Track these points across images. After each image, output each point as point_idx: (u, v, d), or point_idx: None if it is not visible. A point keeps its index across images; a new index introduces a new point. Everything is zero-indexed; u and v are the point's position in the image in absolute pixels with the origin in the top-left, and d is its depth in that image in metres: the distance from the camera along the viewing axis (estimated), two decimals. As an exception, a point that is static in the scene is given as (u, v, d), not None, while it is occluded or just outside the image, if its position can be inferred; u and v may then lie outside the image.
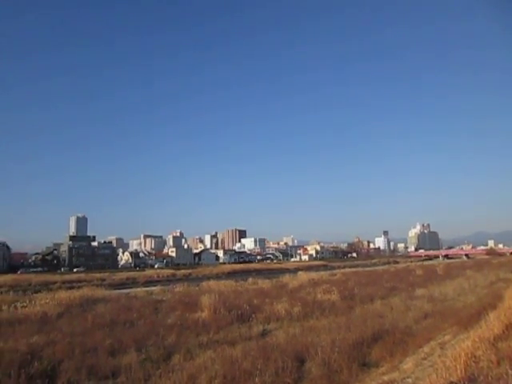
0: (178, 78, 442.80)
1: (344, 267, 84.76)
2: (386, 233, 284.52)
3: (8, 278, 66.29)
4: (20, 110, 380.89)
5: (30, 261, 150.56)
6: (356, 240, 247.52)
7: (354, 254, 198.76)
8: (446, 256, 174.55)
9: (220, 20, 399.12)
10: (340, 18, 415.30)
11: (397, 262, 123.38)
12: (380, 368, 9.82)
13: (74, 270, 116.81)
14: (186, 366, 10.40)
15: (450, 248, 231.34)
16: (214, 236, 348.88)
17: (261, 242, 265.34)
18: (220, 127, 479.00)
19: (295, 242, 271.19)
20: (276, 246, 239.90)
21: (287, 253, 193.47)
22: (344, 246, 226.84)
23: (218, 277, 62.54)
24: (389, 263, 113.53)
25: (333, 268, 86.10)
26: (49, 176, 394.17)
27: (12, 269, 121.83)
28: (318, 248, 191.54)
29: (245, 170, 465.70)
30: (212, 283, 36.34)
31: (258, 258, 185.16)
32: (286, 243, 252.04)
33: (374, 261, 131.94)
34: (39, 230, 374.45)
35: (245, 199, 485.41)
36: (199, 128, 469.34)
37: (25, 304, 22.50)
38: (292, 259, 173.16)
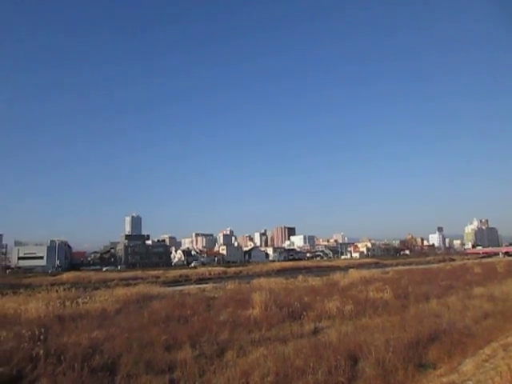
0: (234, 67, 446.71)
1: (397, 265, 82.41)
2: (440, 229, 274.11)
3: (70, 275, 70.06)
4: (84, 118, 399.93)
5: (89, 259, 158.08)
6: (409, 237, 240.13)
7: (407, 252, 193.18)
8: (507, 253, 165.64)
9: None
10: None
11: (453, 260, 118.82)
12: (437, 369, 9.53)
13: (118, 267, 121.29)
14: (239, 363, 10.56)
15: (511, 245, 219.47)
16: (263, 234, 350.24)
17: (310, 240, 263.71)
18: (270, 124, 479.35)
19: (345, 239, 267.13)
20: (326, 243, 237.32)
21: (337, 250, 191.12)
22: (396, 243, 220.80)
23: (267, 274, 62.76)
24: (444, 261, 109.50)
25: (385, 266, 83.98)
26: (106, 178, 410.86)
27: (73, 266, 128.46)
28: (369, 245, 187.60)
29: (295, 167, 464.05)
30: (262, 281, 36.52)
31: (308, 255, 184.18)
32: (335, 240, 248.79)
33: (428, 258, 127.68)
34: (97, 229, 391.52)
35: (294, 196, 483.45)
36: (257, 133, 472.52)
37: (86, 300, 23.58)
38: (342, 257, 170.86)
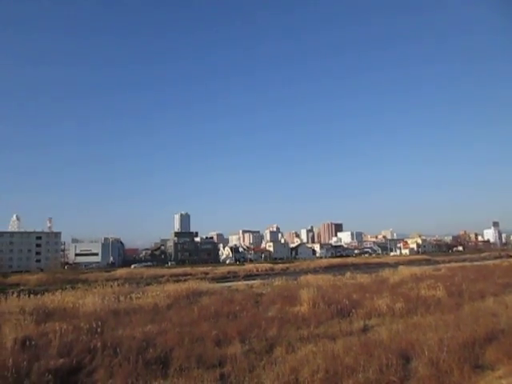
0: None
1: (449, 261, 79.55)
2: (496, 224, 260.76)
3: (123, 271, 72.76)
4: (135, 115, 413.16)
5: (141, 256, 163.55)
6: (462, 232, 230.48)
7: (460, 248, 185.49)
8: None
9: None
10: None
11: (510, 256, 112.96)
12: (496, 371, 9.14)
13: (168, 264, 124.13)
14: (288, 359, 10.59)
15: None
16: (309, 230, 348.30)
17: (358, 236, 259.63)
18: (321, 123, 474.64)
19: (394, 235, 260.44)
20: (374, 239, 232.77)
21: (386, 247, 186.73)
22: (448, 238, 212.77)
23: (315, 271, 62.39)
24: (500, 257, 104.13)
25: (436, 262, 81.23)
26: (155, 176, 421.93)
27: (126, 263, 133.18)
28: (420, 241, 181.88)
29: (341, 164, 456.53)
30: (310, 277, 36.35)
31: (356, 252, 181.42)
32: (384, 236, 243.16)
33: (483, 255, 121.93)
34: (148, 226, 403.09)
35: (340, 192, 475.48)
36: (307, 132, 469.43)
37: (138, 295, 24.42)
38: (391, 253, 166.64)
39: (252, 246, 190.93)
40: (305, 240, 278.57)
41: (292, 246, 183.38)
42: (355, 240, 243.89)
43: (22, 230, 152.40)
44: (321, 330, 14.53)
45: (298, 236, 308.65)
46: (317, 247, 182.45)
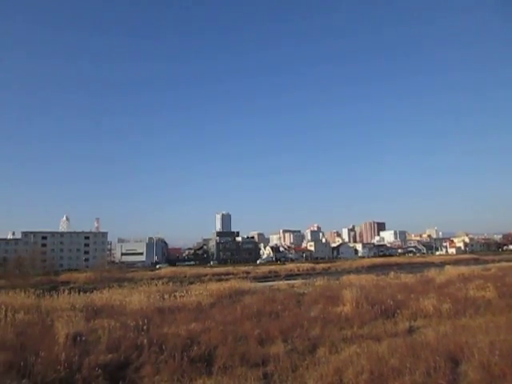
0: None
1: (499, 261, 76.03)
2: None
3: (167, 270, 74.64)
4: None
5: (183, 255, 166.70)
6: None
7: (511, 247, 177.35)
8: None
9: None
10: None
11: None
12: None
13: (210, 263, 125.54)
14: (332, 359, 10.49)
15: None
16: (351, 229, 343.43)
17: (401, 235, 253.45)
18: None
19: (439, 233, 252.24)
20: (418, 238, 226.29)
21: (431, 246, 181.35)
22: (498, 237, 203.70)
23: (357, 271, 61.58)
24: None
25: (485, 262, 77.95)
26: (196, 178, 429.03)
27: (169, 262, 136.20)
28: (467, 240, 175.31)
29: (385, 160, 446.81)
30: (352, 277, 35.87)
31: (399, 251, 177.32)
32: (429, 235, 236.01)
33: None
34: (190, 226, 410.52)
35: (383, 190, 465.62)
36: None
37: (182, 294, 24.87)
38: (437, 253, 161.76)
39: (293, 246, 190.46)
40: (346, 239, 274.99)
41: (333, 245, 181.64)
42: (398, 239, 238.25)
43: (72, 230, 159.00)
44: (364, 330, 14.30)
45: (339, 235, 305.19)
46: (359, 247, 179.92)
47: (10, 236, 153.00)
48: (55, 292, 27.63)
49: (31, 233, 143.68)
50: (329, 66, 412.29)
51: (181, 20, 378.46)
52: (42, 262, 55.30)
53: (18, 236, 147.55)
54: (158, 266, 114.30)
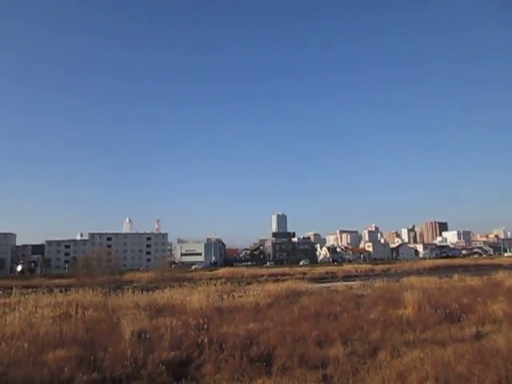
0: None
1: None
2: None
3: (225, 270, 75.91)
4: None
5: (240, 255, 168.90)
6: None
7: None
8: None
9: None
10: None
11: None
12: None
13: (300, 263, 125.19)
14: (394, 364, 10.21)
15: None
16: (411, 229, 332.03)
17: (465, 235, 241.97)
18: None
19: (508, 234, 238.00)
20: (484, 239, 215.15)
21: (498, 247, 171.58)
22: None
23: (418, 272, 59.40)
24: None
25: None
26: (252, 177, 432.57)
27: (227, 262, 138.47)
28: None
29: (442, 159, 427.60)
30: (413, 279, 34.62)
31: (463, 252, 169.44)
32: (496, 236, 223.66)
33: None
34: (247, 226, 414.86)
35: (444, 188, 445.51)
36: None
37: (240, 294, 25.15)
38: (505, 254, 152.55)
39: (350, 246, 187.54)
40: (406, 240, 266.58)
41: (392, 246, 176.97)
42: (462, 240, 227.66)
43: (134, 231, 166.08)
44: (428, 334, 13.78)
45: (398, 236, 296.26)
46: (419, 247, 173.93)
47: (78, 237, 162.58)
48: (120, 291, 28.92)
49: (97, 234, 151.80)
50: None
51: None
52: (108, 262, 57.99)
53: (86, 237, 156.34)
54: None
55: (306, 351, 11.63)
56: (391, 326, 15.17)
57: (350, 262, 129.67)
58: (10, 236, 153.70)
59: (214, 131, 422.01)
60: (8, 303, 23.84)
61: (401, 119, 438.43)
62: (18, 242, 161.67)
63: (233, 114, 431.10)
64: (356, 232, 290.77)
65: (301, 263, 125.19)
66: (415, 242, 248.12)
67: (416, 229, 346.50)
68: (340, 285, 37.18)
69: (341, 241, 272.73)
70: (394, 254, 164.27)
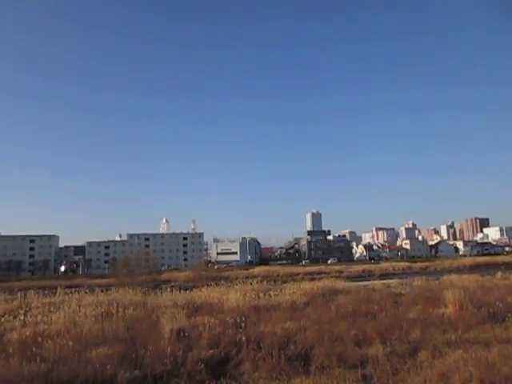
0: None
1: None
2: None
3: (261, 269, 76.08)
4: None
5: (275, 254, 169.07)
6: None
7: None
8: None
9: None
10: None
11: None
12: None
13: (328, 261, 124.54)
14: (435, 364, 9.98)
15: None
16: (450, 226, 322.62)
17: (509, 232, 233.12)
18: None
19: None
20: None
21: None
22: None
23: (458, 270, 57.57)
24: None
25: None
26: (286, 176, 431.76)
27: (262, 261, 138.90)
28: None
29: (481, 152, 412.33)
30: (453, 277, 33.67)
31: (506, 249, 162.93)
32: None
33: None
34: (281, 225, 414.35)
35: (485, 184, 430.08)
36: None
37: (276, 293, 25.17)
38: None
39: (387, 244, 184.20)
40: (445, 237, 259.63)
41: (431, 243, 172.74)
42: (505, 236, 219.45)
43: (171, 231, 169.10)
44: (470, 334, 13.37)
45: (437, 233, 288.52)
46: (459, 244, 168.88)
47: (117, 238, 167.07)
48: (158, 290, 29.56)
49: (136, 235, 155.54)
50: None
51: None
52: (146, 261, 59.35)
53: (125, 238, 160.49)
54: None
55: (344, 350, 11.53)
56: (432, 325, 14.82)
57: (386, 259, 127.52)
58: (54, 238, 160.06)
59: (251, 131, 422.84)
60: (53, 302, 24.83)
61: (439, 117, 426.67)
62: (61, 244, 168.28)
63: (270, 115, 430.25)
64: (392, 229, 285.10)
65: (329, 262, 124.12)
66: (455, 238, 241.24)
67: (455, 225, 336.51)
68: (377, 283, 36.55)
69: (377, 238, 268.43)
70: (433, 251, 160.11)
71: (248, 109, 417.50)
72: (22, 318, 18.09)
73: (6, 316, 19.02)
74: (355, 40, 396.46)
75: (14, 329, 15.99)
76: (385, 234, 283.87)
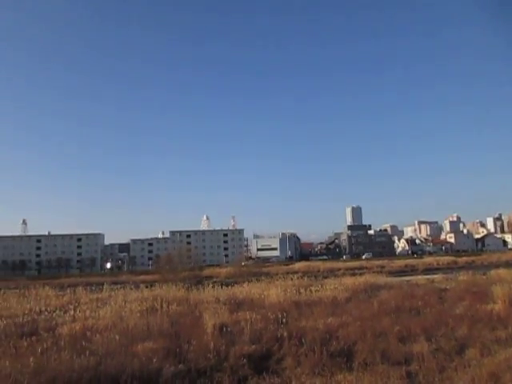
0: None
1: None
2: None
3: (301, 265, 76.05)
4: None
5: (316, 249, 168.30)
6: None
7: None
8: None
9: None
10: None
11: None
12: None
13: (363, 256, 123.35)
14: (484, 362, 9.64)
15: None
16: (497, 218, 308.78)
17: None
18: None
19: None
20: None
21: None
22: None
23: (507, 264, 55.28)
24: None
25: None
26: (326, 171, 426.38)
27: (303, 257, 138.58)
28: None
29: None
30: (502, 271, 32.34)
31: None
32: None
33: None
34: (321, 220, 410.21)
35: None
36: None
37: (317, 288, 25.08)
38: None
39: (430, 238, 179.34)
40: (492, 230, 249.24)
41: (477, 236, 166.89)
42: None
43: (212, 228, 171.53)
44: (522, 332, 12.85)
45: (483, 225, 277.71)
46: (508, 238, 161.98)
47: (160, 235, 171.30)
48: (201, 286, 30.08)
49: (177, 232, 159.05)
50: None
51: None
52: (188, 258, 60.57)
53: (167, 235, 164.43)
54: (364, 257, 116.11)
55: (387, 347, 11.36)
56: (479, 322, 14.33)
57: (430, 254, 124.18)
58: (99, 236, 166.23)
59: (292, 129, 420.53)
60: (100, 298, 25.79)
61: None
62: (106, 242, 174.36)
63: (310, 112, 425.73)
64: (436, 222, 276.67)
65: (363, 257, 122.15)
66: (502, 231, 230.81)
67: (503, 217, 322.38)
68: (421, 278, 35.74)
69: (419, 232, 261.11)
70: (479, 245, 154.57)
71: (288, 107, 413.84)
72: (72, 313, 18.91)
73: (57, 311, 19.89)
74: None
75: (64, 323, 16.74)
76: (428, 227, 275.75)
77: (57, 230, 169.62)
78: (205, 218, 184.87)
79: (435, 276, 37.23)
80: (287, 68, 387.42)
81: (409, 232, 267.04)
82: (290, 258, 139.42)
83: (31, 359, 9.82)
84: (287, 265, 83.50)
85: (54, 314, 19.09)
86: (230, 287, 28.92)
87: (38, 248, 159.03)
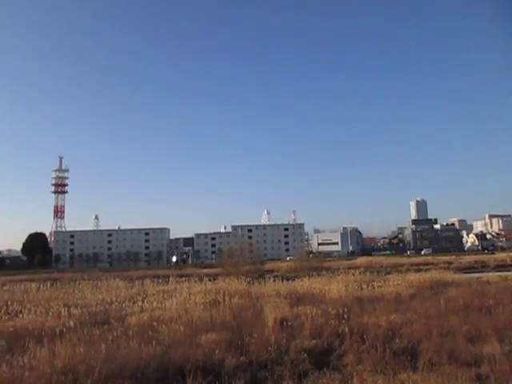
0: None
1: None
2: None
3: (363, 260, 74.55)
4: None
5: (378, 244, 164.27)
6: None
7: None
8: None
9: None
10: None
11: None
12: None
13: (422, 252, 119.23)
14: None
15: None
16: None
17: None
18: None
19: None
20: None
21: None
22: None
23: None
24: None
25: None
26: (388, 163, 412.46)
27: (365, 251, 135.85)
28: None
29: None
30: None
31: None
32: None
33: None
34: (383, 214, 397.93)
35: None
36: None
37: (380, 284, 24.48)
38: None
39: (503, 233, 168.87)
40: None
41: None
42: None
43: (272, 222, 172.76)
44: None
45: None
46: None
47: (222, 230, 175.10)
48: (262, 279, 30.39)
49: (239, 226, 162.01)
50: None
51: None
52: (249, 252, 61.44)
53: (229, 230, 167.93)
54: (422, 253, 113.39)
55: (455, 347, 10.88)
56: None
57: (503, 249, 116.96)
58: (165, 230, 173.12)
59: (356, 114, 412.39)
60: (166, 290, 26.81)
61: None
62: (172, 236, 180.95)
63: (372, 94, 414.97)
64: (509, 216, 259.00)
65: (422, 252, 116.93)
66: None
67: None
68: (492, 275, 33.81)
69: (491, 226, 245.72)
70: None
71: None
72: (140, 304, 19.79)
73: (126, 302, 20.92)
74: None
75: (133, 313, 17.60)
76: (500, 221, 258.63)
77: (126, 225, 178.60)
78: (265, 212, 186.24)
79: (508, 273, 35.11)
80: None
81: (479, 226, 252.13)
82: (352, 252, 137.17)
83: (103, 346, 10.43)
84: (349, 260, 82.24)
85: (124, 305, 20.02)
86: (290, 281, 28.98)
87: (109, 242, 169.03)
